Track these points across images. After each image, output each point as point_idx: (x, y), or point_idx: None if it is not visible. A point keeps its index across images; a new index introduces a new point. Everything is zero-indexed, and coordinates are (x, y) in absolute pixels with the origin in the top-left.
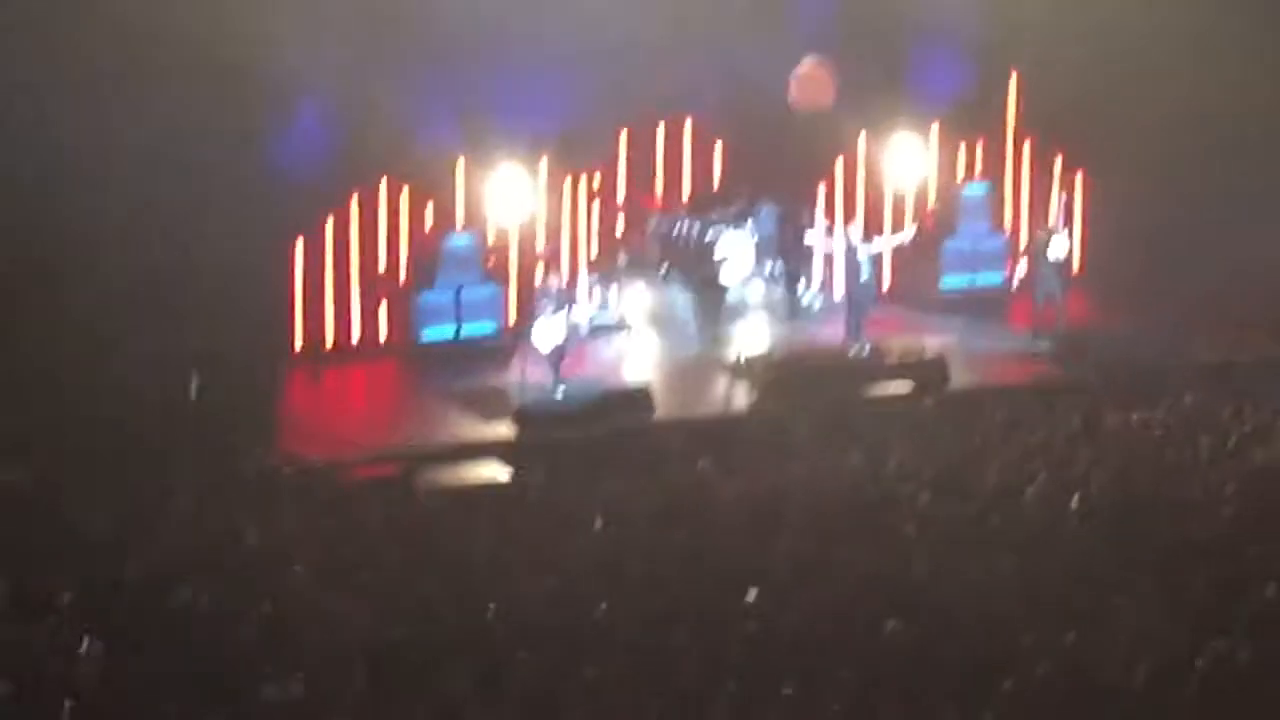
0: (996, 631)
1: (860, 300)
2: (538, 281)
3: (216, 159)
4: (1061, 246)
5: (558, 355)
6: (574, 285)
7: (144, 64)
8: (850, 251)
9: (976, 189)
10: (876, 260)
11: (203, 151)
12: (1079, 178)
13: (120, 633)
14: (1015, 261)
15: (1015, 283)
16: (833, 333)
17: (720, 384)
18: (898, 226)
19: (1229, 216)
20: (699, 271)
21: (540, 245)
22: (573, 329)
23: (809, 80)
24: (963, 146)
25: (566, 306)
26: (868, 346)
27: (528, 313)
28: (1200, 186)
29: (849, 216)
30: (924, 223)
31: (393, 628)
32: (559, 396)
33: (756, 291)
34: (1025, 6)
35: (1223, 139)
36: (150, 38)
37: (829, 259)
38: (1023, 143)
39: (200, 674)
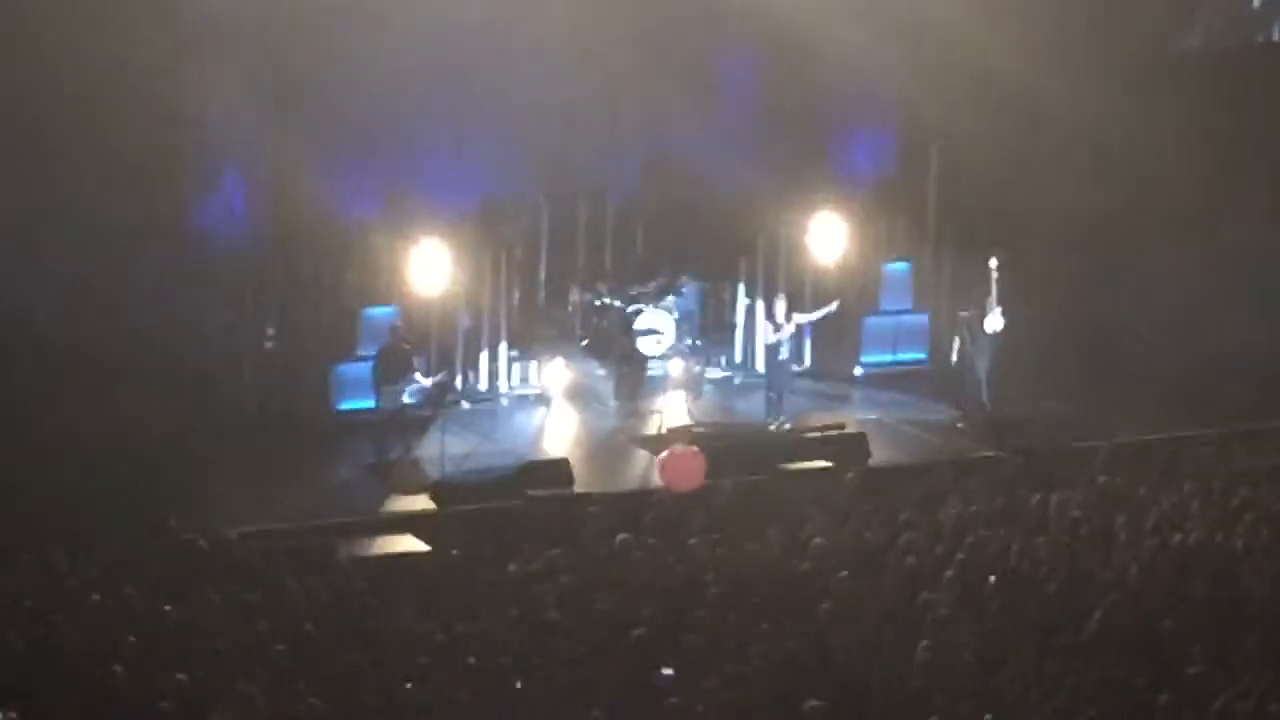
0: (912, 712)
1: (780, 376)
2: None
3: (136, 232)
4: (996, 323)
5: (396, 422)
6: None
7: (65, 135)
8: (770, 328)
9: (898, 266)
10: (797, 336)
11: (123, 224)
12: (999, 257)
13: (37, 707)
14: (955, 337)
15: (954, 358)
16: (753, 408)
17: (640, 458)
18: (819, 303)
19: (1147, 298)
20: (619, 345)
21: (460, 318)
22: (424, 395)
23: (678, 463)
24: (884, 224)
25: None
26: (787, 422)
27: (451, 386)
28: (1120, 266)
29: (770, 293)
30: (844, 299)
31: (311, 700)
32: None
33: (677, 366)
34: (946, 86)
35: (1144, 219)
36: (71, 105)
37: (750, 334)
38: (943, 221)
39: None
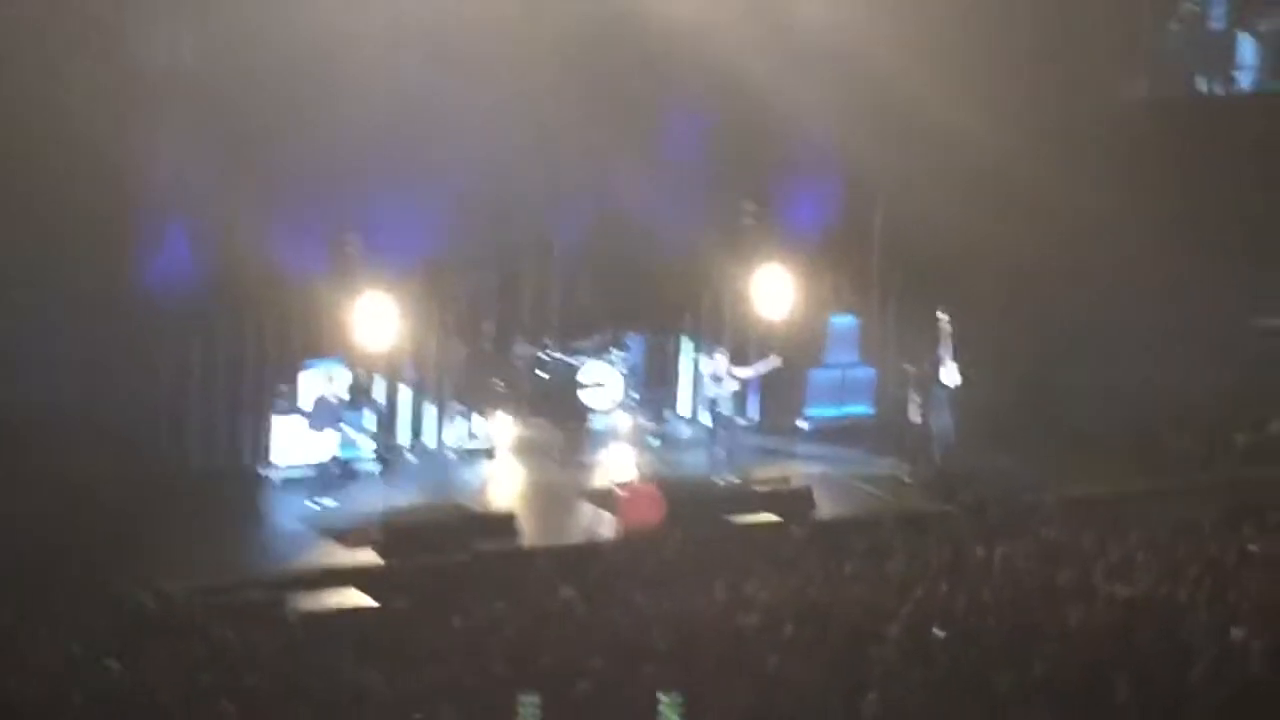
0: None
1: (724, 430)
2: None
3: (77, 285)
4: (952, 377)
5: (326, 471)
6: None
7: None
8: (715, 381)
9: (843, 319)
10: (740, 390)
11: (64, 277)
12: (948, 311)
13: None
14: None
15: (916, 413)
16: (699, 461)
17: (585, 512)
18: (763, 357)
19: (1092, 352)
20: (565, 400)
21: (405, 371)
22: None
23: (637, 501)
24: (829, 277)
25: (334, 419)
26: (732, 476)
27: (392, 438)
28: (1066, 320)
29: (715, 347)
30: (789, 352)
31: None
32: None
33: (622, 420)
34: (891, 139)
35: (1090, 273)
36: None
37: (696, 388)
38: (889, 274)
39: None
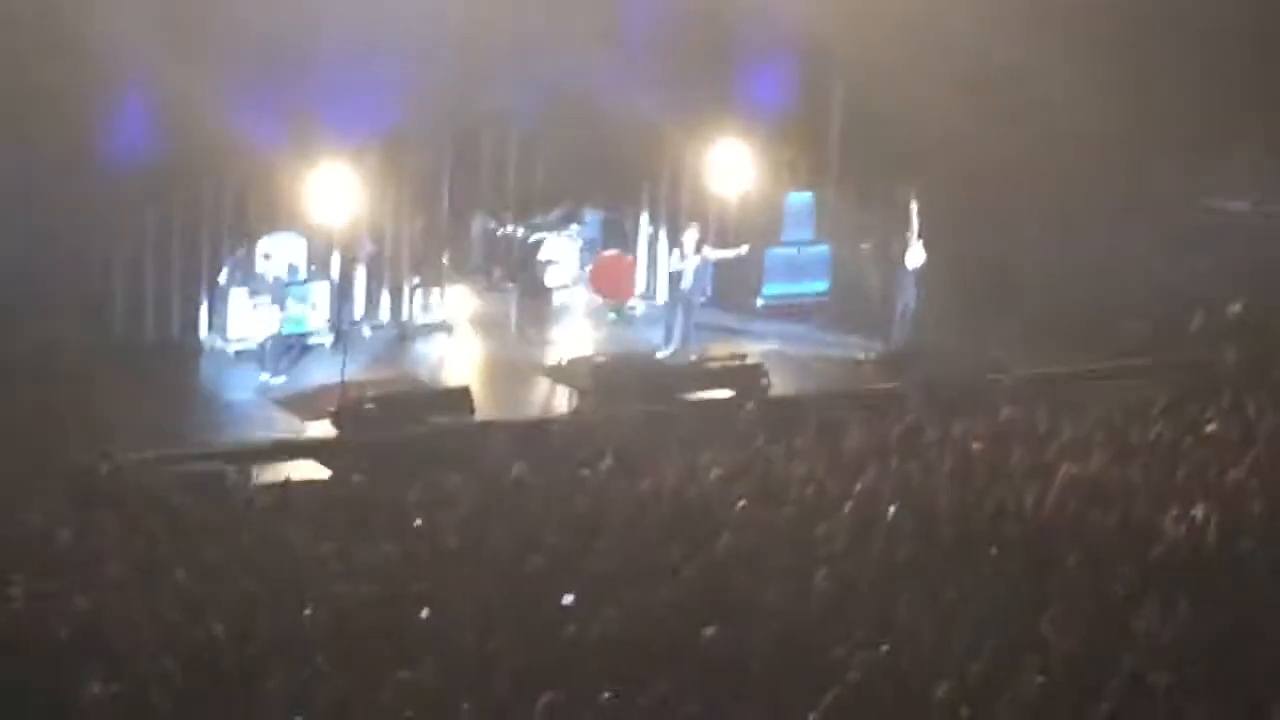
0: (812, 640)
1: (681, 306)
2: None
3: (34, 157)
4: (917, 257)
5: (273, 346)
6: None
7: None
8: (678, 256)
9: (801, 197)
10: (701, 268)
11: (20, 150)
12: (916, 190)
13: None
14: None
15: (876, 292)
16: (655, 338)
17: (541, 387)
18: (720, 234)
19: (1053, 230)
20: (522, 275)
21: (362, 244)
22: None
23: (608, 269)
24: (787, 154)
25: (279, 294)
26: (688, 352)
27: (346, 311)
28: (1025, 199)
29: (674, 223)
30: (747, 231)
31: (209, 626)
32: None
33: (579, 296)
34: (850, 13)
35: (1051, 155)
36: None
37: (652, 264)
38: (847, 152)
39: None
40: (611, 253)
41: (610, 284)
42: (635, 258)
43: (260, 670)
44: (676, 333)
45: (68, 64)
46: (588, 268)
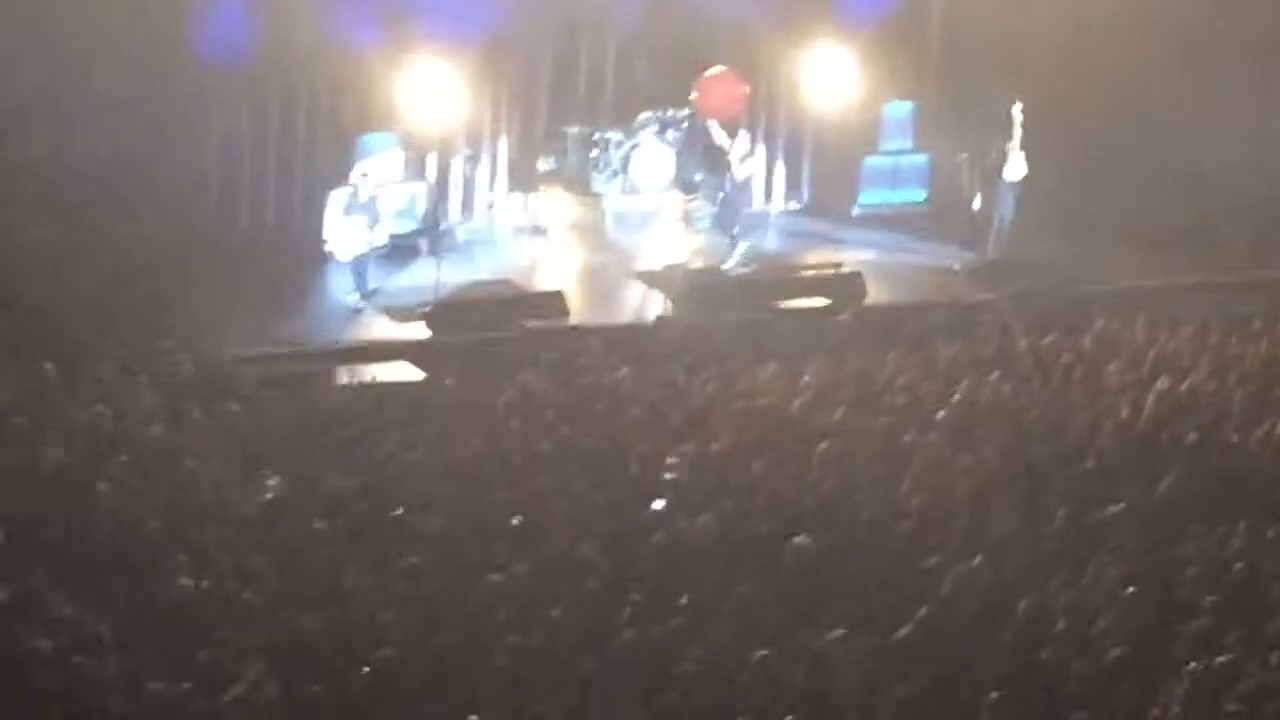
0: (906, 551)
1: (728, 211)
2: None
3: (130, 48)
4: (1018, 169)
5: (363, 264)
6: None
7: None
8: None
9: (899, 106)
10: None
11: (116, 39)
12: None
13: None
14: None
15: (975, 203)
16: (750, 244)
17: (636, 292)
18: (818, 139)
19: (1152, 141)
20: (618, 179)
21: (459, 147)
22: (376, 237)
23: (717, 87)
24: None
25: (372, 213)
26: (749, 260)
27: (442, 213)
28: (1124, 110)
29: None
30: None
31: (301, 525)
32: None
33: (674, 201)
34: None
35: (1153, 68)
36: None
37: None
38: (947, 61)
39: (105, 564)
40: (717, 70)
41: (719, 102)
42: (709, 273)
43: (347, 568)
44: (728, 232)
45: None
46: (693, 92)
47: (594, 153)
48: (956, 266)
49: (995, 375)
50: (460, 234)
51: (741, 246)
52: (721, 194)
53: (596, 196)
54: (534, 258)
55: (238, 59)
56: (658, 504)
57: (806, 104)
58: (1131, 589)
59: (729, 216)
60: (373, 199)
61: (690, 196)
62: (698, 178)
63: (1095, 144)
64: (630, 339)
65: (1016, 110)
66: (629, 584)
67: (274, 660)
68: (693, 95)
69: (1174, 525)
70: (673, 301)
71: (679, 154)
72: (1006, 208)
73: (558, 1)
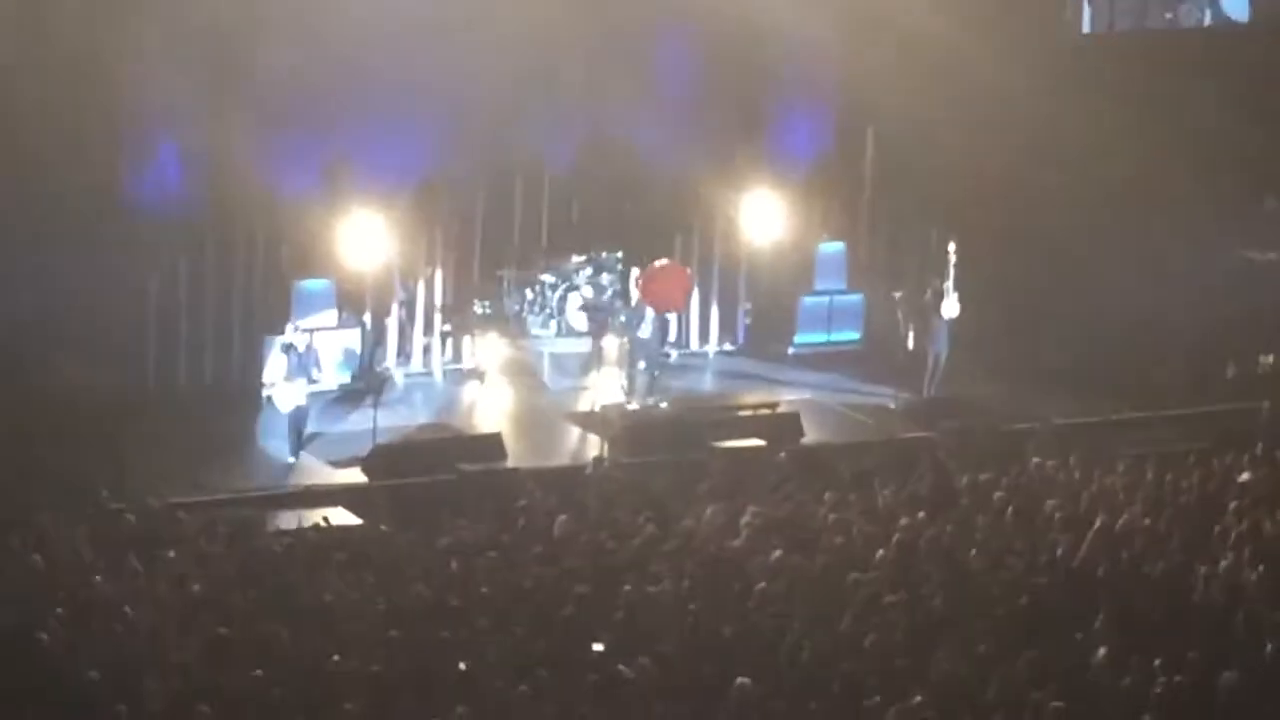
0: (844, 690)
1: (642, 356)
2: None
3: (68, 200)
4: (953, 308)
5: (299, 417)
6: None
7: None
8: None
9: (832, 246)
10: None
11: (55, 191)
12: (940, 238)
13: None
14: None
15: (909, 341)
16: (689, 384)
17: (573, 434)
18: (751, 283)
19: (1086, 279)
20: (553, 322)
21: (395, 292)
22: (313, 387)
23: (662, 278)
24: (819, 204)
25: (308, 367)
26: (661, 400)
27: (378, 358)
28: (1055, 250)
29: (705, 270)
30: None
31: (237, 670)
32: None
33: (611, 343)
34: (882, 65)
35: (1079, 204)
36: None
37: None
38: (878, 202)
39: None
40: (664, 261)
41: (663, 293)
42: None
43: (286, 715)
44: (639, 383)
45: (102, 112)
46: (637, 278)
47: (529, 296)
48: (892, 405)
49: (933, 513)
50: (397, 378)
51: (660, 383)
52: (636, 333)
53: (532, 339)
54: (470, 401)
55: (174, 209)
56: (597, 646)
57: (741, 245)
58: None
59: (645, 354)
60: (310, 348)
61: (623, 339)
62: (622, 319)
63: (1028, 284)
64: (567, 481)
65: (950, 249)
66: None
67: None
68: (636, 280)
69: (1112, 660)
70: (609, 443)
71: (611, 296)
72: (941, 346)
73: (491, 146)
